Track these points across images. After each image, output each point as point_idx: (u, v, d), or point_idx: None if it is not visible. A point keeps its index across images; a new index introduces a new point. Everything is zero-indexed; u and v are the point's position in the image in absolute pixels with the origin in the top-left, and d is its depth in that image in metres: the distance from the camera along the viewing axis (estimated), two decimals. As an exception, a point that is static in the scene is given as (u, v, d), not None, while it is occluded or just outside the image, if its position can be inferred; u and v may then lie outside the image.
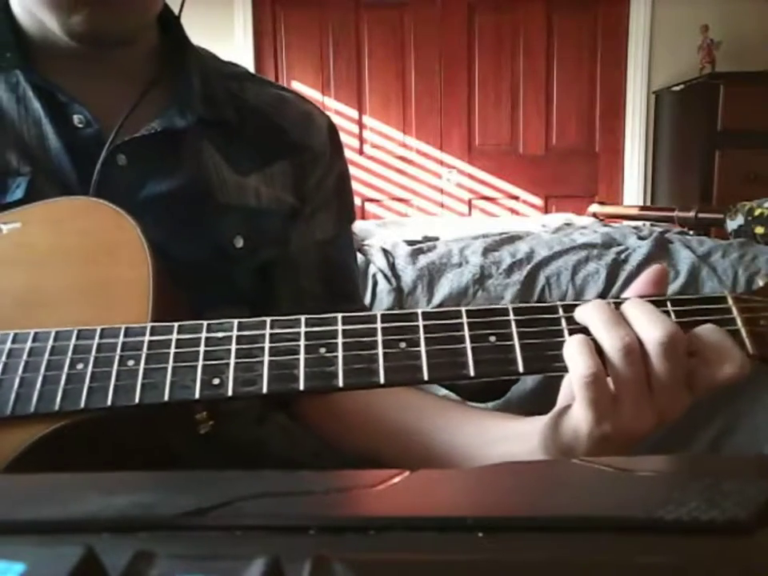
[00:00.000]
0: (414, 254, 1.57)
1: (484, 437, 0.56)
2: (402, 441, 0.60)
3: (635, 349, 0.43)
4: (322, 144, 0.71)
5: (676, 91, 3.20)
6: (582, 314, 0.46)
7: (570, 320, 0.46)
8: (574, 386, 0.44)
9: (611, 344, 0.43)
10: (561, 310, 0.46)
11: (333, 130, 0.74)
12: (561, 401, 0.51)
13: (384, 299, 1.46)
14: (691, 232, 1.99)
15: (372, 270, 1.52)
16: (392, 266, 1.53)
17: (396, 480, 0.26)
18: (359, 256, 1.58)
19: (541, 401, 0.54)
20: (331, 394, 0.65)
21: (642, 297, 0.48)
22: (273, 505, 0.24)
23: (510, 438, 0.54)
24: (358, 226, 2.24)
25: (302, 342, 0.46)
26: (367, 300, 1.48)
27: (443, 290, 1.49)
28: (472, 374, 0.44)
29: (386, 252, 1.59)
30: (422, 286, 1.49)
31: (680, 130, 3.24)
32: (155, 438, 0.53)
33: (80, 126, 0.59)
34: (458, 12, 3.43)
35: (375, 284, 1.49)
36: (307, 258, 0.70)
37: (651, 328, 0.43)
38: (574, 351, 0.44)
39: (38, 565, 0.18)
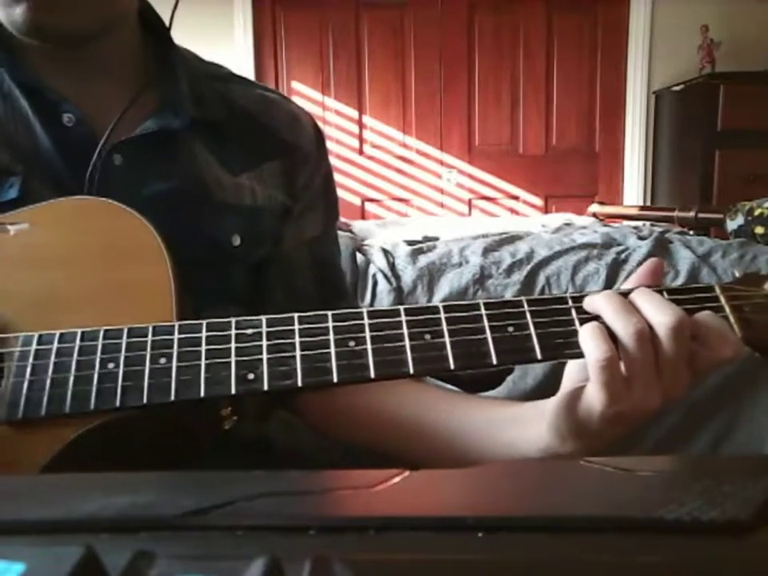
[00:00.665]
0: (414, 254, 1.57)
1: (492, 422, 0.58)
2: (409, 433, 0.61)
3: (646, 333, 0.47)
4: (308, 143, 0.72)
5: (676, 91, 3.20)
6: (593, 303, 0.49)
7: (580, 310, 0.49)
8: (589, 370, 0.47)
9: (624, 330, 0.47)
10: (570, 301, 0.50)
11: (318, 129, 0.75)
12: (565, 386, 0.53)
13: (384, 299, 1.46)
14: (691, 232, 1.99)
15: (372, 269, 1.52)
16: (392, 266, 1.53)
17: (396, 480, 0.26)
18: (359, 256, 1.58)
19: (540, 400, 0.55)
20: (334, 391, 0.65)
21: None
22: (273, 505, 0.24)
23: (517, 422, 0.56)
24: (358, 225, 2.24)
25: (332, 336, 0.48)
26: (367, 300, 1.48)
27: (443, 289, 1.49)
28: (495, 361, 0.47)
29: (386, 252, 1.59)
30: (422, 286, 1.49)
31: (680, 130, 3.24)
32: (182, 435, 0.53)
33: (69, 125, 0.59)
34: (458, 12, 3.43)
35: (375, 284, 1.49)
36: (299, 256, 0.71)
37: (660, 314, 0.47)
38: (589, 338, 0.47)
39: (38, 565, 0.18)
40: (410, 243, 1.69)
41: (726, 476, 0.27)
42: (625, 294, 0.49)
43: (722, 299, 0.50)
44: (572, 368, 0.54)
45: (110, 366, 0.47)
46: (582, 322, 0.48)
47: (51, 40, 0.58)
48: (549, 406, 0.53)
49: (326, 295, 0.72)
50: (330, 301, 0.71)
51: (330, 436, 0.67)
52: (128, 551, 0.19)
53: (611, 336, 0.47)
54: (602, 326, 0.47)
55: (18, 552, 0.18)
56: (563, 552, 0.20)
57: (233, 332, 0.48)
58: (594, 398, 0.47)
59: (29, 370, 0.48)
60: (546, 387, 1.34)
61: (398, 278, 1.50)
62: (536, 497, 0.26)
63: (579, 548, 0.20)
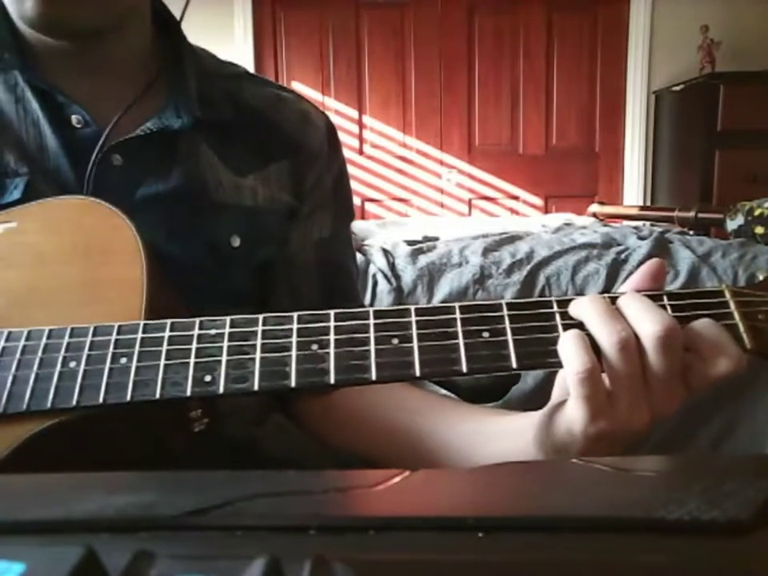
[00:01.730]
0: (414, 254, 1.57)
1: (478, 434, 0.56)
2: (395, 440, 0.60)
3: (631, 343, 0.42)
4: (319, 143, 0.71)
5: (676, 91, 3.20)
6: (577, 309, 0.45)
7: (564, 315, 0.45)
8: (568, 383, 0.43)
9: (607, 338, 0.43)
10: (555, 305, 0.46)
11: (331, 128, 0.73)
12: (555, 396, 0.50)
13: (384, 299, 1.47)
14: (691, 232, 1.99)
15: (372, 269, 1.52)
16: (392, 266, 1.53)
17: (396, 480, 0.26)
18: (359, 256, 1.58)
19: (540, 401, 0.54)
20: (327, 394, 0.65)
21: (638, 291, 0.47)
22: (273, 505, 0.24)
23: (503, 435, 0.54)
24: (358, 225, 2.24)
25: (294, 339, 0.46)
26: (367, 300, 1.48)
27: (443, 290, 1.49)
28: (464, 369, 0.44)
29: (386, 252, 1.59)
30: (421, 286, 1.49)
31: (680, 130, 3.24)
32: (149, 436, 0.53)
33: (78, 126, 0.59)
34: (458, 12, 3.42)
35: (375, 284, 1.49)
36: (305, 257, 0.70)
37: (647, 322, 0.43)
38: (568, 347, 0.43)
39: (38, 565, 0.18)
40: (410, 243, 1.69)
41: (726, 476, 0.27)
42: (614, 299, 0.45)
43: (732, 305, 0.45)
44: (563, 377, 0.50)
45: (72, 364, 0.47)
46: (566, 328, 0.44)
47: (62, 35, 0.58)
48: (535, 420, 0.50)
49: (331, 299, 0.71)
50: (333, 303, 0.70)
51: (322, 441, 0.67)
52: (128, 551, 0.19)
53: (594, 345, 0.43)
54: (583, 334, 0.43)
55: (18, 552, 0.18)
56: (563, 552, 0.20)
57: (195, 332, 0.47)
58: (575, 413, 0.44)
59: None
60: (546, 390, 1.34)
61: (398, 277, 1.50)
62: (536, 497, 0.26)
63: (579, 548, 0.20)
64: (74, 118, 0.59)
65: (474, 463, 0.55)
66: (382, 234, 2.05)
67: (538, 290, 1.49)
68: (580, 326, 0.44)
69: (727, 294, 0.46)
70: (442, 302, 1.46)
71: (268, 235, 0.67)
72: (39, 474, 0.31)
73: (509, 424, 0.54)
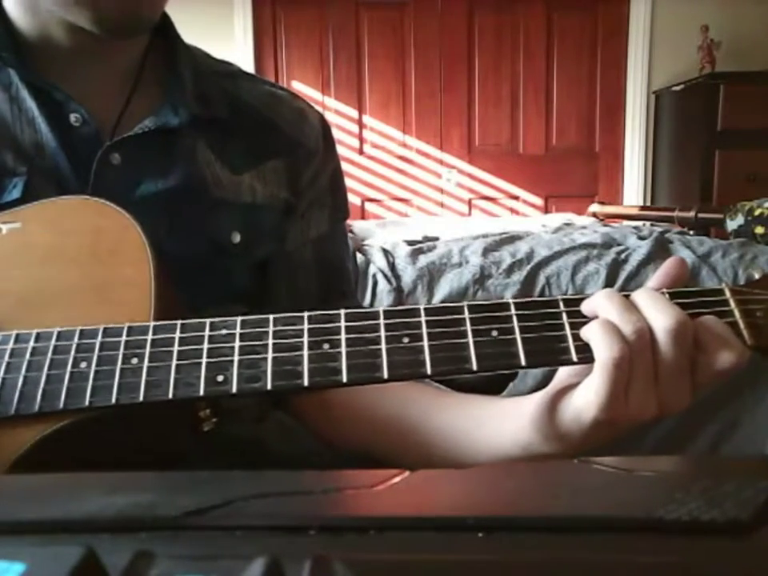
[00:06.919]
0: (414, 254, 1.57)
1: (473, 417, 0.56)
2: (390, 432, 0.60)
3: (647, 334, 0.44)
4: (315, 141, 0.71)
5: (676, 91, 3.20)
6: (591, 304, 0.46)
7: (571, 314, 0.46)
8: (598, 369, 0.44)
9: (625, 328, 0.44)
10: (562, 304, 0.47)
11: (326, 126, 0.74)
12: (557, 381, 0.50)
13: (384, 299, 1.47)
14: (691, 232, 1.99)
15: (372, 269, 1.52)
16: (392, 266, 1.53)
17: (396, 480, 0.26)
18: (359, 256, 1.58)
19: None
20: (328, 393, 0.65)
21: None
22: (273, 505, 0.24)
23: (500, 416, 0.54)
24: (358, 225, 2.24)
25: (306, 339, 0.46)
26: (367, 300, 1.48)
27: (443, 289, 1.49)
28: (475, 367, 0.45)
29: (386, 252, 1.59)
30: (422, 286, 1.49)
31: (680, 130, 3.24)
32: (159, 436, 0.53)
33: (77, 124, 0.59)
34: (458, 12, 3.42)
35: (375, 284, 1.49)
36: (303, 254, 0.70)
37: (661, 315, 0.44)
38: (600, 334, 0.44)
39: (38, 565, 0.18)
40: (410, 243, 1.69)
41: (726, 476, 0.27)
42: (627, 296, 0.46)
43: (732, 303, 0.47)
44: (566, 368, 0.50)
45: (83, 365, 0.47)
46: (573, 326, 0.45)
47: (131, 32, 0.58)
48: (533, 403, 0.50)
49: (328, 296, 0.71)
50: (331, 302, 0.70)
51: (320, 437, 0.67)
52: (128, 551, 0.19)
53: None
54: (614, 323, 0.44)
55: (18, 552, 0.18)
56: (563, 552, 0.20)
57: (206, 333, 0.47)
58: (590, 399, 0.44)
59: (3, 368, 0.48)
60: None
61: (398, 277, 1.50)
62: (536, 497, 0.26)
63: (579, 548, 0.20)
64: (72, 117, 0.59)
65: (469, 447, 0.55)
66: (382, 233, 2.06)
67: (537, 289, 1.49)
68: (588, 322, 0.45)
69: (727, 293, 0.47)
70: (442, 302, 1.47)
71: (267, 231, 0.67)
72: (41, 473, 0.31)
73: (506, 405, 0.55)
